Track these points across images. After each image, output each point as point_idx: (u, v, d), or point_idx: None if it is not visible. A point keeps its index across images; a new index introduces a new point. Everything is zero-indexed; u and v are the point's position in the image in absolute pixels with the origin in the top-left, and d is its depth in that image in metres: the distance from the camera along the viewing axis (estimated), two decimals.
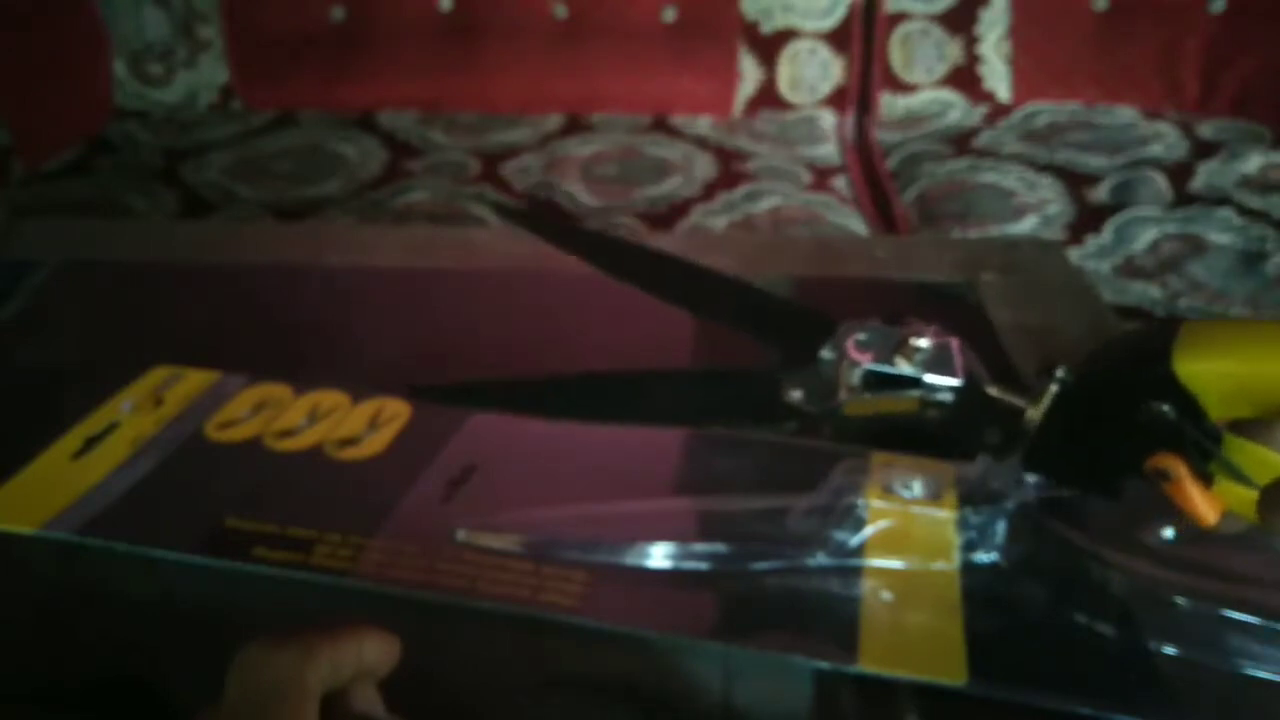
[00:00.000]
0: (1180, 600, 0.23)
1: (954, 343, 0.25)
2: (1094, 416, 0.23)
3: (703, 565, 0.24)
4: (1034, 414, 0.23)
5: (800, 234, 0.64)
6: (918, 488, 0.25)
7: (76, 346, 0.36)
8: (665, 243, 0.46)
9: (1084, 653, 0.22)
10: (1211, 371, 0.21)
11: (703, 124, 0.79)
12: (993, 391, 0.24)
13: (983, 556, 0.24)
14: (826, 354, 0.26)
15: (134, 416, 0.30)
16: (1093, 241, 0.64)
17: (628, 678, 0.22)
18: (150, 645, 0.24)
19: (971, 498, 0.25)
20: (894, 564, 0.24)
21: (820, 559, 0.24)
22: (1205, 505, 0.21)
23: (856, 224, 0.67)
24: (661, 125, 0.79)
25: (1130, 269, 0.62)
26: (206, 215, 0.67)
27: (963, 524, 0.25)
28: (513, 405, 0.29)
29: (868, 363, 0.25)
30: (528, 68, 0.79)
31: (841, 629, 0.23)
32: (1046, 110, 0.78)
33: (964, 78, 0.79)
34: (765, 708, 0.22)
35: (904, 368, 0.25)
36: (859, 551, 0.24)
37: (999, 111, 0.79)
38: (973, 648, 0.22)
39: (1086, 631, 0.23)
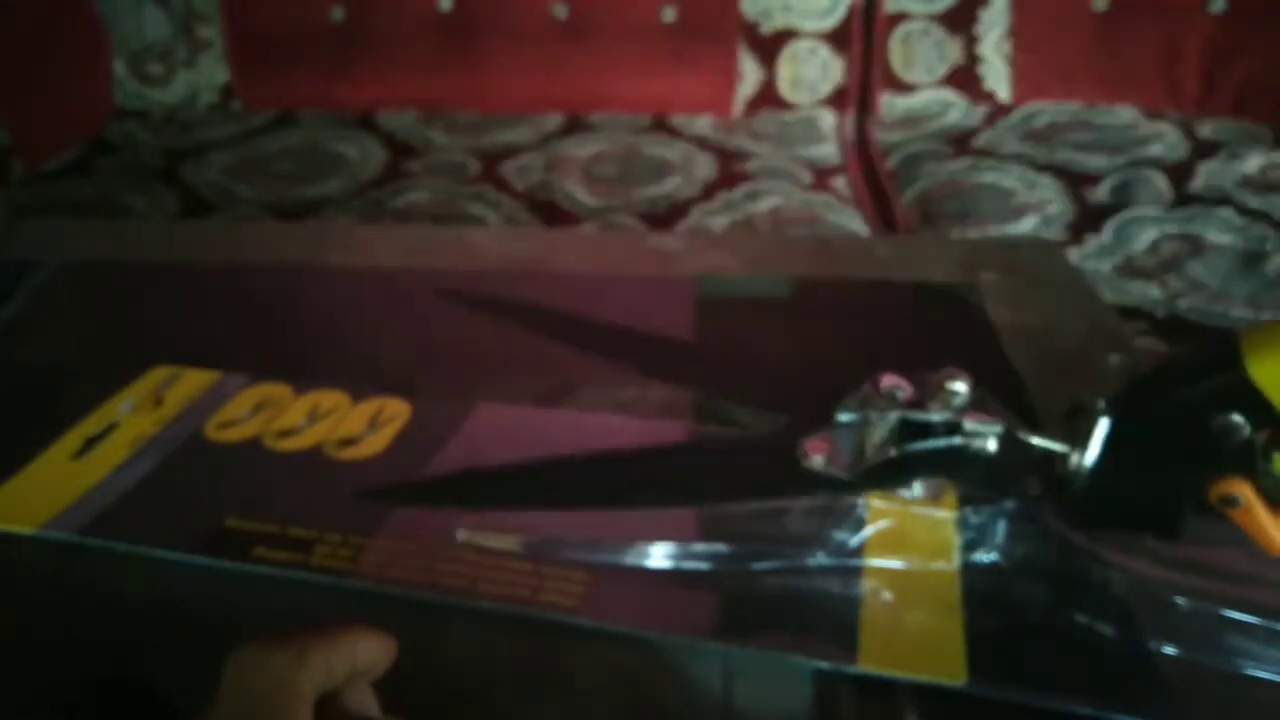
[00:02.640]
0: (1180, 600, 0.23)
1: (987, 394, 0.23)
2: (1152, 445, 0.21)
3: (703, 565, 0.24)
4: (1079, 458, 0.22)
5: (800, 234, 0.64)
6: (917, 488, 0.25)
7: (76, 347, 0.36)
8: (666, 243, 0.46)
9: (1084, 653, 0.22)
10: None
11: (703, 124, 0.79)
12: (1032, 439, 0.22)
13: (983, 556, 0.24)
14: (845, 416, 0.23)
15: (134, 417, 0.30)
16: (1093, 241, 0.64)
17: (627, 677, 0.22)
18: (150, 646, 0.23)
19: (971, 498, 0.25)
20: (894, 564, 0.24)
21: (820, 559, 0.24)
22: (1276, 531, 0.20)
23: (856, 224, 0.67)
24: (661, 125, 0.79)
25: (1130, 269, 0.62)
26: (206, 215, 0.67)
27: (963, 524, 0.25)
28: (503, 499, 0.25)
29: (899, 412, 0.22)
30: (527, 67, 0.79)
31: (841, 629, 0.23)
32: (1046, 110, 0.78)
33: (964, 77, 0.79)
34: (765, 708, 0.22)
35: (940, 414, 0.22)
36: (859, 551, 0.24)
37: (999, 111, 0.79)
38: (973, 648, 0.22)
39: (1086, 632, 0.23)
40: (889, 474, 0.23)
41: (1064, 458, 0.22)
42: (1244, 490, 0.20)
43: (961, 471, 0.23)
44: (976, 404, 0.23)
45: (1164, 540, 0.22)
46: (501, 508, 0.24)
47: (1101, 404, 0.22)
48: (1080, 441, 0.22)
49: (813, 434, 0.24)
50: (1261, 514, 0.20)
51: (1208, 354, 0.21)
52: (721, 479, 0.25)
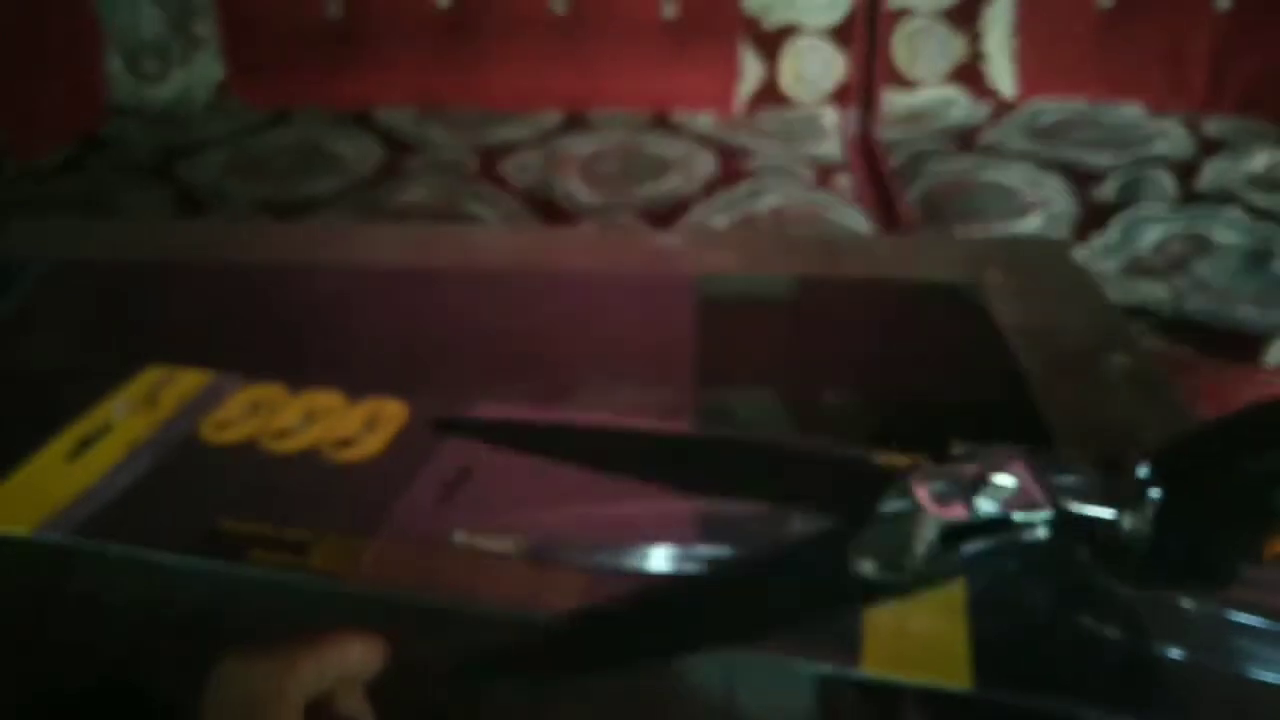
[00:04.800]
0: (1186, 603, 0.23)
1: (1027, 465, 0.21)
2: (1205, 513, 0.21)
3: (703, 568, 0.24)
4: (1131, 523, 0.21)
5: (802, 233, 0.64)
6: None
7: (70, 347, 0.36)
8: (667, 241, 0.46)
9: (1089, 656, 0.22)
10: None
11: (704, 121, 0.79)
12: (1080, 509, 0.22)
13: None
14: (892, 507, 0.22)
15: (128, 417, 0.30)
16: (1098, 240, 0.63)
17: (628, 681, 0.22)
18: (146, 649, 0.23)
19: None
20: None
21: None
22: None
23: (859, 222, 0.67)
24: (662, 122, 0.78)
25: (1136, 268, 0.61)
26: (202, 213, 0.66)
27: None
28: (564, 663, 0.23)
29: (946, 514, 0.21)
30: (527, 63, 0.79)
31: (845, 633, 0.22)
32: (1051, 107, 0.78)
33: (968, 74, 0.79)
34: (768, 712, 0.22)
35: (987, 509, 0.21)
36: None
37: (1003, 108, 0.79)
38: (977, 652, 0.22)
39: (1092, 635, 0.22)
40: (939, 575, 0.23)
41: (1112, 524, 0.22)
42: None
43: (1014, 560, 0.23)
44: (1023, 491, 0.22)
45: (1217, 590, 0.22)
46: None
47: (1146, 469, 0.21)
48: (1128, 506, 0.21)
49: (860, 534, 0.23)
50: None
51: (1256, 430, 0.21)
52: (778, 598, 0.23)
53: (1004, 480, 0.22)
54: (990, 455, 0.22)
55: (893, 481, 0.22)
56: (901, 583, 0.23)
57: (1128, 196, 0.66)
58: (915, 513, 0.22)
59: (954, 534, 0.22)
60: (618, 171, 0.71)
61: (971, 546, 0.22)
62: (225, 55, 0.79)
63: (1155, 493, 0.21)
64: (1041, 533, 0.22)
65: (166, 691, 0.21)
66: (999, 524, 0.22)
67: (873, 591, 0.23)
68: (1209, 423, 0.22)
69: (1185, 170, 0.68)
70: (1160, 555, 0.22)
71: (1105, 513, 0.22)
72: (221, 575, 0.24)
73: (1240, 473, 0.21)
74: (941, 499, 0.22)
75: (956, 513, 0.22)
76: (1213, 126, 0.74)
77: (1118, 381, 0.32)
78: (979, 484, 0.22)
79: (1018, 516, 0.22)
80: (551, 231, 0.61)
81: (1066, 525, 0.22)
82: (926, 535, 0.22)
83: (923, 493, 0.22)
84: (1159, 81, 0.77)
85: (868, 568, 0.22)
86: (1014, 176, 0.69)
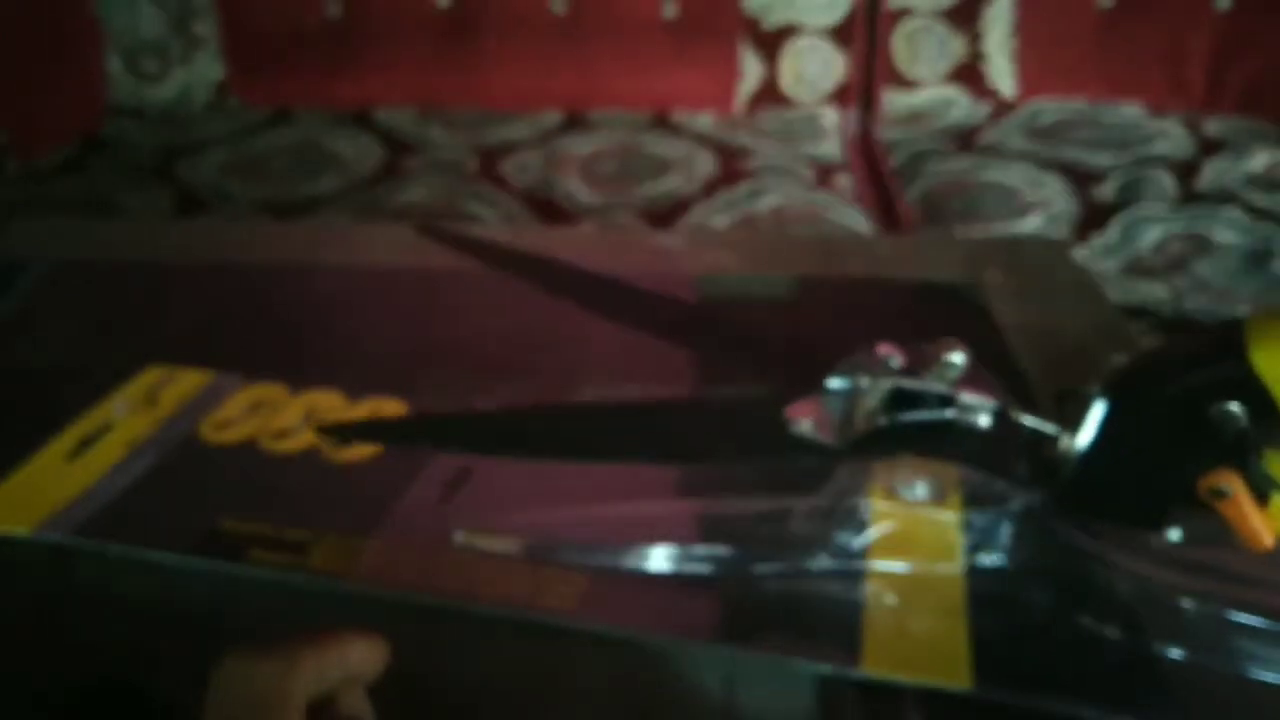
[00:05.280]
0: (1186, 603, 0.23)
1: (987, 373, 0.22)
2: (1145, 432, 0.21)
3: (704, 568, 0.24)
4: (1069, 441, 0.21)
5: (802, 232, 0.64)
6: (921, 489, 0.25)
7: (70, 346, 0.36)
8: (667, 241, 0.46)
9: (1090, 656, 0.22)
10: None
11: (704, 121, 0.79)
12: (1023, 418, 0.22)
13: (987, 559, 0.24)
14: (835, 382, 0.22)
15: (128, 417, 0.30)
16: (1098, 240, 0.63)
17: (628, 681, 0.22)
18: (146, 649, 0.23)
19: (976, 499, 0.24)
20: (898, 566, 0.24)
21: (823, 561, 0.24)
22: (1261, 526, 0.20)
23: (859, 222, 0.67)
24: (662, 122, 0.78)
25: (1136, 268, 0.61)
26: (201, 213, 0.66)
27: (967, 526, 0.24)
28: (480, 444, 0.24)
29: (893, 380, 0.21)
30: (526, 63, 0.79)
31: (844, 632, 0.22)
32: (1051, 107, 0.78)
33: (968, 74, 0.79)
34: (767, 712, 0.22)
35: (935, 385, 0.21)
36: (862, 554, 0.24)
37: (1003, 108, 0.79)
38: (977, 651, 0.22)
39: (1092, 635, 0.22)
40: (877, 444, 0.22)
41: (1053, 441, 0.22)
42: (1234, 482, 0.20)
43: (952, 447, 0.22)
44: (972, 378, 0.22)
45: (1145, 531, 0.22)
46: (473, 451, 0.23)
47: (1096, 388, 0.21)
48: (1072, 425, 0.21)
49: (801, 399, 0.23)
50: (1248, 507, 0.20)
51: (1211, 341, 0.21)
52: (705, 438, 0.23)
53: (956, 358, 0.22)
54: (949, 339, 0.22)
55: (845, 356, 0.22)
56: (838, 447, 0.22)
57: (1128, 196, 0.66)
58: (861, 377, 0.22)
59: (898, 402, 0.22)
60: (617, 171, 0.71)
61: (912, 416, 0.22)
62: (225, 55, 0.79)
63: (1100, 405, 0.21)
64: (984, 420, 0.22)
65: (167, 691, 0.22)
66: (944, 401, 0.22)
67: (806, 449, 0.22)
68: (1163, 344, 0.22)
69: (1185, 170, 0.68)
70: (1093, 478, 0.21)
71: (1047, 427, 0.22)
72: (221, 575, 0.24)
73: (1182, 385, 0.21)
74: (889, 367, 0.22)
75: (904, 380, 0.22)
76: (1213, 126, 0.74)
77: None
78: (932, 361, 0.22)
79: (963, 398, 0.22)
80: (551, 231, 0.61)
81: (1008, 427, 0.22)
82: (870, 400, 0.22)
83: (873, 360, 0.22)
84: (1159, 81, 0.77)
85: (804, 426, 0.22)
86: (1014, 176, 0.69)
